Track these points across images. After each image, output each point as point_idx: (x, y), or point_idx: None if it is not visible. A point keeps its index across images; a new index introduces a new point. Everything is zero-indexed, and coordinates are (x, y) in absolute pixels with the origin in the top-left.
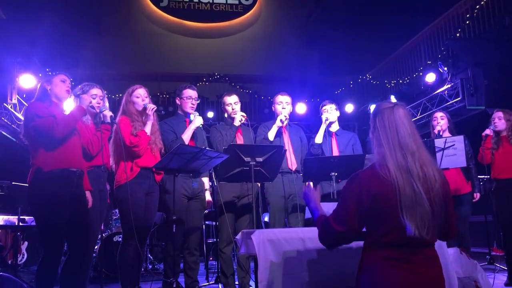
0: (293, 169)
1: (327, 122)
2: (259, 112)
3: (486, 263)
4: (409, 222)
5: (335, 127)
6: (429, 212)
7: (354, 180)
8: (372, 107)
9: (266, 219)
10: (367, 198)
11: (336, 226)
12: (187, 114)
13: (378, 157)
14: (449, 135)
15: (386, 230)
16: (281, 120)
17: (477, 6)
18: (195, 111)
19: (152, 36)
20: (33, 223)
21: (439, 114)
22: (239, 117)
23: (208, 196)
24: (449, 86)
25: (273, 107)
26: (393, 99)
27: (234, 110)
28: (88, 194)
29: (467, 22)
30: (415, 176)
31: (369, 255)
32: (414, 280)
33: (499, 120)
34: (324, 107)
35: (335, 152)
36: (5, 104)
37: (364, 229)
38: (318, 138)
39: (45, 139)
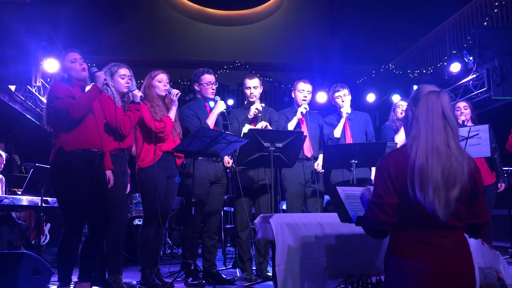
0: (310, 155)
1: (346, 114)
2: (280, 100)
3: (508, 256)
4: (432, 202)
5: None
6: (456, 196)
7: (384, 158)
8: (394, 97)
9: (284, 207)
10: (396, 173)
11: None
12: (207, 99)
13: (410, 139)
14: (472, 125)
15: (414, 211)
16: (301, 113)
17: None
18: (215, 95)
19: (173, 23)
20: (55, 205)
21: (462, 104)
22: (253, 109)
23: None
24: (474, 76)
25: (293, 94)
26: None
27: (251, 95)
28: (109, 173)
29: (495, 10)
30: (444, 163)
31: (398, 237)
32: (442, 264)
33: None
34: (337, 93)
35: (348, 138)
36: (29, 87)
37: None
38: (337, 133)
39: (63, 120)
